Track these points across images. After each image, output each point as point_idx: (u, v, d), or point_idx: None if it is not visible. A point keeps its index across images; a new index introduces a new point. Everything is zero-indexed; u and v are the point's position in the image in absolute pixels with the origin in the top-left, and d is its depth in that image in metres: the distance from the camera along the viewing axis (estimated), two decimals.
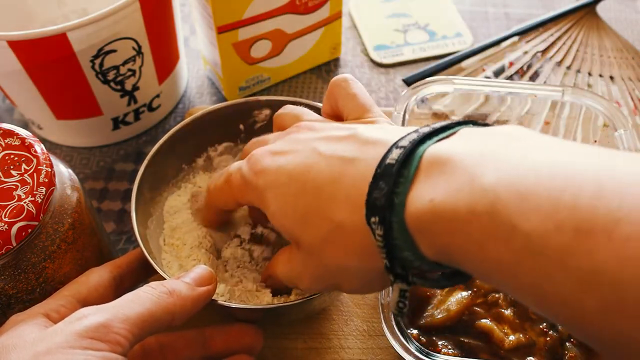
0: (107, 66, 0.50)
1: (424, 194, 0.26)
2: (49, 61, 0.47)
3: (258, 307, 0.38)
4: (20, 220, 0.34)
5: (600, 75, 0.65)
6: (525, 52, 0.66)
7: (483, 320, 0.41)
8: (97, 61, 0.49)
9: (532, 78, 0.64)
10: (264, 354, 0.43)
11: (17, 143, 0.37)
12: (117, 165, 0.57)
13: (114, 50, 0.49)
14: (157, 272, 0.38)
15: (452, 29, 0.69)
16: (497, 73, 0.64)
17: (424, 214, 0.26)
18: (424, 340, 0.41)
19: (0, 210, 0.34)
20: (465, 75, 0.64)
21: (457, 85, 0.49)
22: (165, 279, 0.36)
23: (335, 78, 0.38)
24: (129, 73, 0.52)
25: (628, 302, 0.20)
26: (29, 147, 0.37)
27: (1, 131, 0.37)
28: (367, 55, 0.67)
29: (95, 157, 0.58)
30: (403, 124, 0.46)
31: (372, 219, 0.27)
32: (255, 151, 0.35)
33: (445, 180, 0.25)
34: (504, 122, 0.52)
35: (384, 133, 0.30)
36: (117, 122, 0.56)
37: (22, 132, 0.37)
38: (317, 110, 0.41)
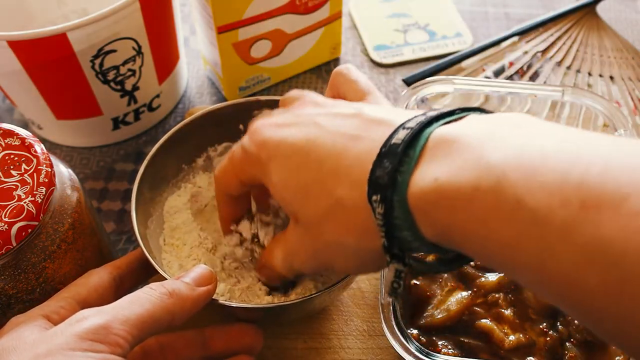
0: (107, 66, 0.50)
1: (429, 173, 0.26)
2: (49, 61, 0.47)
3: (258, 306, 0.38)
4: (20, 220, 0.34)
5: (600, 75, 0.65)
6: (525, 52, 0.66)
7: (483, 320, 0.41)
8: (97, 61, 0.49)
9: (532, 78, 0.64)
10: (264, 354, 0.43)
11: (17, 143, 0.37)
12: (117, 165, 0.57)
13: (114, 50, 0.49)
14: (157, 272, 0.38)
15: (452, 29, 0.69)
16: (497, 73, 0.64)
17: (428, 193, 0.26)
18: (424, 340, 0.41)
19: (0, 210, 0.34)
20: (465, 75, 0.64)
21: (457, 85, 0.49)
22: (165, 279, 0.36)
23: (337, 67, 0.38)
24: (129, 73, 0.52)
25: (633, 277, 0.20)
26: (29, 147, 0.37)
27: (1, 131, 0.37)
28: (367, 55, 0.67)
29: (95, 157, 0.58)
30: None
31: (374, 197, 0.27)
32: (256, 123, 0.34)
33: (450, 159, 0.25)
34: None
35: (390, 114, 0.30)
36: (117, 122, 0.56)
37: (22, 132, 0.37)
38: None
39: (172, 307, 0.32)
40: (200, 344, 0.38)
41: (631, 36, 0.68)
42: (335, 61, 0.65)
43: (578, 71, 0.65)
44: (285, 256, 0.35)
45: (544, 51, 0.67)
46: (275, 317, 0.42)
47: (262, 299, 0.41)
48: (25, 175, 0.35)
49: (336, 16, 0.60)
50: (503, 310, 0.42)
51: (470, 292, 0.43)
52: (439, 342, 0.40)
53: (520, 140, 0.25)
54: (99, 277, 0.37)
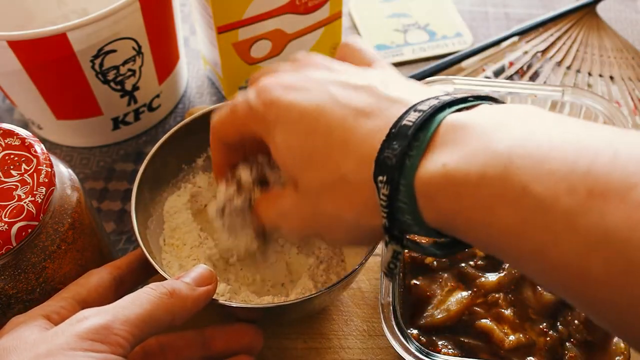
0: (107, 66, 0.50)
1: (437, 159, 0.26)
2: (49, 61, 0.47)
3: (258, 306, 0.38)
4: (20, 220, 0.34)
5: (600, 75, 0.65)
6: (525, 52, 0.66)
7: (483, 320, 0.41)
8: (97, 61, 0.49)
9: (532, 78, 0.64)
10: (264, 354, 0.43)
11: (17, 143, 0.37)
12: (117, 165, 0.57)
13: (114, 50, 0.49)
14: (157, 272, 0.38)
15: (452, 29, 0.69)
16: (497, 73, 0.64)
17: (435, 178, 0.26)
18: (424, 340, 0.41)
19: (0, 210, 0.34)
20: (465, 75, 0.64)
21: (457, 85, 0.49)
22: (165, 279, 0.36)
23: (343, 41, 0.37)
24: (129, 73, 0.52)
25: (637, 267, 0.20)
26: (29, 147, 0.37)
27: (1, 131, 0.37)
28: None
29: (95, 157, 0.58)
30: None
31: (380, 178, 0.27)
32: (264, 81, 0.33)
33: (459, 147, 0.25)
34: None
35: (403, 92, 0.30)
36: (117, 122, 0.56)
37: (22, 132, 0.37)
38: None
39: (172, 307, 0.32)
40: (201, 344, 0.38)
41: (631, 36, 0.68)
42: None
43: (578, 71, 0.65)
44: (277, 217, 0.34)
45: (544, 51, 0.67)
46: (275, 317, 0.42)
47: (263, 299, 0.42)
48: (25, 175, 0.35)
49: (336, 16, 0.60)
50: (503, 310, 0.42)
51: (470, 292, 0.43)
52: (439, 342, 0.40)
53: (528, 130, 0.25)
54: (99, 277, 0.37)
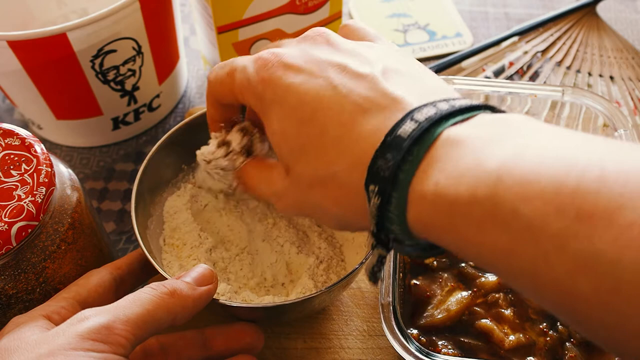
0: (107, 66, 0.50)
1: (431, 177, 0.26)
2: (49, 61, 0.47)
3: (259, 305, 0.38)
4: (20, 220, 0.34)
5: (600, 75, 0.65)
6: (525, 52, 0.66)
7: (483, 320, 0.41)
8: (97, 61, 0.49)
9: (532, 78, 0.64)
10: (264, 354, 0.43)
11: (17, 143, 0.37)
12: (117, 165, 0.57)
13: (114, 50, 0.49)
14: (157, 273, 0.38)
15: (452, 29, 0.69)
16: (497, 73, 0.64)
17: (427, 196, 0.26)
18: (424, 340, 0.41)
19: (0, 210, 0.34)
20: (465, 75, 0.64)
21: (457, 85, 0.49)
22: (166, 279, 0.36)
23: (342, 23, 0.36)
24: (129, 73, 0.52)
25: (625, 286, 0.20)
26: (29, 147, 0.37)
27: (1, 131, 0.37)
28: None
29: (95, 157, 0.58)
30: None
31: (371, 187, 0.27)
32: (265, 53, 0.32)
33: (452, 165, 0.25)
34: None
35: (403, 88, 0.29)
36: (117, 122, 0.56)
37: (22, 132, 0.37)
38: None
39: (173, 307, 0.32)
40: (201, 344, 0.38)
41: (631, 36, 0.68)
42: None
43: (578, 71, 0.65)
44: (267, 195, 0.35)
45: (544, 51, 0.67)
46: (276, 317, 0.42)
47: (263, 299, 0.42)
48: (25, 175, 0.35)
49: (336, 16, 0.60)
50: (503, 310, 0.42)
51: (470, 292, 0.43)
52: (439, 342, 0.40)
53: (518, 145, 0.24)
54: (99, 277, 0.37)
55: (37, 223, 0.34)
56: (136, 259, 0.40)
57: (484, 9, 0.72)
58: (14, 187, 0.35)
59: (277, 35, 0.57)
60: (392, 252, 0.41)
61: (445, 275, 0.44)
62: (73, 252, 0.38)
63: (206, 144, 0.48)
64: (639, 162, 0.22)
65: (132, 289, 0.38)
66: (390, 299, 0.39)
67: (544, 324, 0.41)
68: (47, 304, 0.34)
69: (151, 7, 0.50)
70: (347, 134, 0.29)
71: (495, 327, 0.41)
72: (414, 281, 0.43)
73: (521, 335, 0.40)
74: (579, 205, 0.21)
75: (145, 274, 0.40)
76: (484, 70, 0.65)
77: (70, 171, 0.40)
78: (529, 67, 0.65)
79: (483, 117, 0.27)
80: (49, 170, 0.36)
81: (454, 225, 0.25)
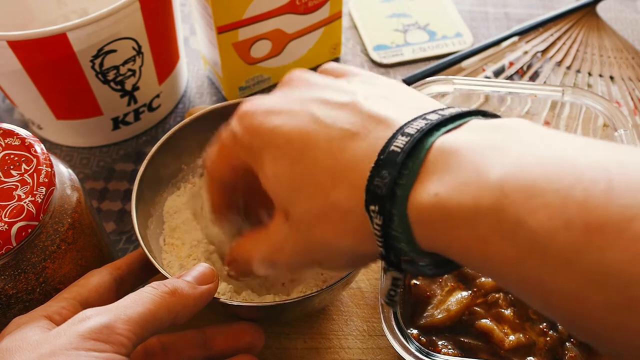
0: (107, 66, 0.50)
1: (429, 188, 0.25)
2: (49, 61, 0.47)
3: (259, 304, 0.38)
4: (20, 220, 0.34)
5: (600, 75, 0.65)
6: (525, 52, 0.66)
7: (483, 320, 0.41)
8: (97, 61, 0.49)
9: (532, 78, 0.64)
10: (264, 354, 0.43)
11: (17, 143, 0.37)
12: (117, 165, 0.57)
13: (114, 50, 0.49)
14: (158, 273, 0.38)
15: (452, 29, 0.69)
16: (497, 73, 0.64)
17: (427, 208, 0.25)
18: (424, 340, 0.41)
19: (0, 210, 0.34)
20: (465, 75, 0.64)
21: (457, 85, 0.49)
22: (166, 279, 0.36)
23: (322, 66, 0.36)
24: (129, 73, 0.52)
25: (637, 300, 0.20)
26: (29, 147, 0.37)
27: (1, 131, 0.37)
28: (367, 55, 0.67)
29: (95, 157, 0.58)
30: None
31: (372, 207, 0.26)
32: (245, 106, 0.32)
33: (451, 174, 0.25)
34: None
35: (388, 109, 0.29)
36: (117, 122, 0.56)
37: (22, 132, 0.37)
38: None
39: (174, 306, 0.32)
40: (202, 343, 0.38)
41: (631, 36, 0.68)
42: (335, 61, 0.65)
43: (578, 71, 0.65)
44: (269, 252, 0.33)
45: (544, 51, 0.67)
46: (276, 316, 0.42)
47: (264, 298, 0.42)
48: (25, 175, 0.35)
49: (336, 16, 0.60)
50: (503, 310, 0.42)
51: (470, 292, 0.43)
52: (439, 342, 0.40)
53: (520, 153, 0.24)
54: (99, 277, 0.37)
55: (37, 223, 0.34)
56: (136, 259, 0.40)
57: (484, 9, 0.72)
58: (14, 187, 0.35)
59: (277, 35, 0.57)
60: (382, 273, 0.41)
61: (445, 275, 0.44)
62: (73, 252, 0.38)
63: (206, 148, 0.48)
64: None
65: (132, 289, 0.38)
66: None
67: (544, 324, 0.41)
68: (48, 304, 0.34)
69: (151, 7, 0.50)
70: (340, 162, 0.28)
71: (495, 327, 0.41)
72: (414, 281, 0.43)
73: (521, 335, 0.40)
74: (588, 218, 0.21)
75: (145, 273, 0.40)
76: (484, 70, 0.65)
77: (70, 171, 0.40)
78: (529, 67, 0.65)
79: (475, 123, 0.27)
80: (49, 170, 0.36)
81: (457, 237, 0.25)
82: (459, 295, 0.42)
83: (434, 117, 0.27)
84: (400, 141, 0.26)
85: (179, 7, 0.57)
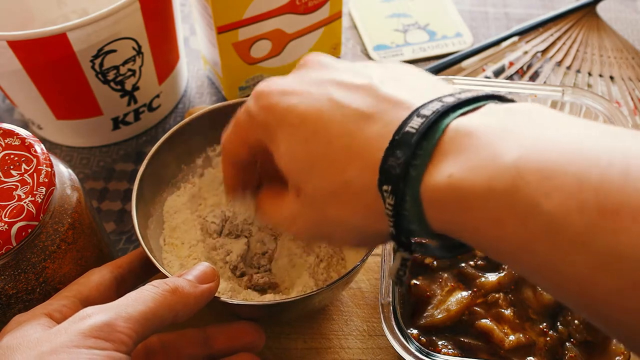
0: (107, 66, 0.50)
1: (443, 169, 0.25)
2: (49, 61, 0.47)
3: (260, 303, 0.38)
4: (20, 220, 0.34)
5: (600, 75, 0.65)
6: (525, 52, 0.66)
7: (483, 320, 0.41)
8: (97, 61, 0.49)
9: (532, 78, 0.64)
10: (264, 354, 0.43)
11: (17, 143, 0.37)
12: (117, 165, 0.57)
13: (114, 50, 0.49)
14: (158, 272, 0.38)
15: (452, 29, 0.69)
16: (497, 73, 0.64)
17: (441, 189, 0.25)
18: (424, 340, 0.41)
19: (0, 210, 0.34)
20: (465, 75, 0.64)
21: (457, 85, 0.49)
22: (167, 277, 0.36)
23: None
24: (129, 73, 0.52)
25: None
26: (29, 147, 0.37)
27: (1, 131, 0.37)
28: (367, 55, 0.67)
29: (95, 157, 0.58)
30: None
31: (385, 187, 0.26)
32: (261, 86, 0.33)
33: (465, 156, 0.25)
34: None
35: (404, 91, 0.29)
36: (117, 122, 0.56)
37: (22, 132, 0.37)
38: None
39: (174, 305, 0.32)
40: (202, 342, 0.38)
41: (631, 36, 0.68)
42: None
43: (578, 71, 0.65)
44: (283, 220, 0.34)
45: (544, 51, 0.67)
46: (277, 315, 0.42)
47: (264, 297, 0.42)
48: (25, 175, 0.35)
49: (336, 16, 0.60)
50: (503, 310, 0.42)
51: (470, 292, 0.43)
52: (439, 342, 0.40)
53: (536, 135, 0.24)
54: (100, 275, 0.37)
55: (37, 223, 0.34)
56: (137, 258, 0.40)
57: (484, 9, 0.72)
58: (14, 187, 0.35)
59: (277, 35, 0.57)
60: (392, 253, 0.41)
61: (445, 275, 0.44)
62: (73, 252, 0.38)
63: (205, 147, 0.48)
64: None
65: (132, 288, 0.38)
66: (390, 299, 0.39)
67: (544, 324, 0.41)
68: (49, 302, 0.34)
69: (151, 7, 0.50)
70: (354, 141, 0.28)
71: (495, 327, 0.41)
72: (414, 281, 0.43)
73: (521, 335, 0.40)
74: (603, 201, 0.21)
75: (145, 273, 0.40)
76: (484, 70, 0.65)
77: (70, 171, 0.40)
78: (529, 67, 0.65)
79: (491, 107, 0.27)
80: (49, 170, 0.36)
81: (470, 219, 0.25)
82: (459, 295, 0.42)
83: (450, 100, 0.27)
84: (416, 122, 0.26)
85: (179, 7, 0.57)
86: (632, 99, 0.62)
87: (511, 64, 0.65)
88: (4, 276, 0.35)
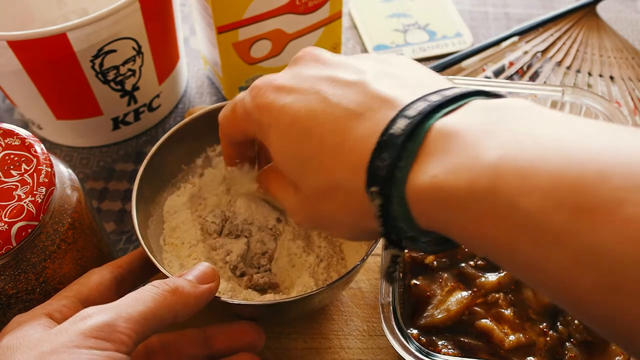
0: (107, 66, 0.50)
1: (427, 170, 0.26)
2: (49, 61, 0.47)
3: (260, 303, 0.38)
4: (20, 220, 0.34)
5: (600, 75, 0.65)
6: (525, 52, 0.66)
7: (483, 320, 0.41)
8: (97, 61, 0.49)
9: (532, 78, 0.64)
10: (264, 354, 0.43)
11: (17, 143, 0.37)
12: (117, 165, 0.57)
13: (114, 50, 0.49)
14: (158, 272, 0.38)
15: (452, 29, 0.69)
16: (497, 73, 0.64)
17: (425, 190, 0.26)
18: (424, 340, 0.41)
19: (0, 210, 0.34)
20: (465, 75, 0.64)
21: (457, 85, 0.49)
22: (167, 277, 0.36)
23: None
24: (129, 73, 0.52)
25: (626, 281, 0.20)
26: (29, 147, 0.37)
27: (1, 131, 0.37)
28: None
29: (95, 157, 0.58)
30: None
31: (372, 188, 0.27)
32: (257, 82, 0.34)
33: (448, 157, 0.25)
34: None
35: (395, 88, 0.29)
36: (117, 122, 0.56)
37: (22, 132, 0.37)
38: None
39: (175, 305, 0.32)
40: (202, 342, 0.38)
41: (631, 36, 0.68)
42: None
43: (578, 71, 0.65)
44: (286, 207, 0.35)
45: (544, 51, 0.67)
46: (277, 315, 0.42)
47: (264, 297, 0.42)
48: (25, 175, 0.35)
49: (336, 16, 0.60)
50: (503, 310, 0.42)
51: (470, 292, 0.43)
52: (439, 342, 0.40)
53: (518, 134, 0.24)
54: (100, 276, 0.37)
55: (37, 223, 0.34)
56: (137, 258, 0.40)
57: (484, 9, 0.72)
58: (14, 187, 0.35)
59: (277, 35, 0.57)
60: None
61: (445, 275, 0.44)
62: (73, 252, 0.38)
63: (205, 147, 0.48)
64: (638, 151, 0.21)
65: (132, 288, 0.38)
66: (390, 299, 0.39)
67: (544, 324, 0.41)
68: (49, 302, 0.34)
69: (151, 7, 0.50)
70: (344, 141, 0.29)
71: (495, 327, 0.41)
72: (414, 281, 0.43)
73: (521, 335, 0.40)
74: (579, 199, 0.21)
75: (146, 273, 0.40)
76: (484, 70, 0.65)
77: (70, 171, 0.40)
78: (529, 67, 0.65)
79: (476, 104, 0.27)
80: (49, 170, 0.36)
81: (454, 218, 0.25)
82: (459, 295, 0.42)
83: (435, 99, 0.27)
84: (401, 123, 0.27)
85: (179, 7, 0.57)
86: (632, 99, 0.62)
87: (511, 64, 0.65)
88: (4, 276, 0.35)
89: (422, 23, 0.70)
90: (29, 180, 0.35)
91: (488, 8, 0.72)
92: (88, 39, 0.47)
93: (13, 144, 0.37)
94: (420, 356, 0.37)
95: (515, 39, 0.68)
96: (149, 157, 0.43)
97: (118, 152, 0.58)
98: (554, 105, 0.51)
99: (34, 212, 0.34)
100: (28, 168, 0.36)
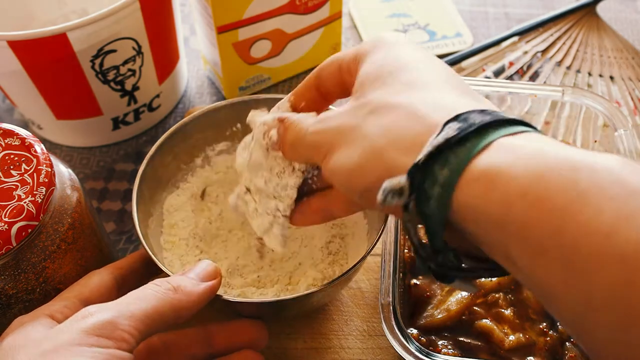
0: (107, 66, 0.50)
1: (495, 158, 0.25)
2: (49, 61, 0.47)
3: (261, 301, 0.38)
4: (20, 220, 0.34)
5: (600, 75, 0.65)
6: (525, 52, 0.66)
7: (483, 320, 0.41)
8: (97, 61, 0.49)
9: (532, 78, 0.64)
10: (264, 354, 0.43)
11: (17, 143, 0.37)
12: (117, 165, 0.57)
13: (114, 50, 0.49)
14: (160, 272, 0.38)
15: (452, 29, 0.69)
16: (497, 73, 0.64)
17: (478, 172, 0.25)
18: (424, 340, 0.41)
19: (0, 210, 0.34)
20: (465, 75, 0.64)
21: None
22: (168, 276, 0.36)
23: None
24: (129, 73, 0.52)
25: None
26: (29, 147, 0.37)
27: (1, 131, 0.37)
28: None
29: (95, 157, 0.58)
30: None
31: (452, 124, 0.26)
32: (319, 117, 0.32)
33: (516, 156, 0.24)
34: None
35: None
36: (117, 122, 0.56)
37: (22, 132, 0.37)
38: None
39: (177, 303, 0.32)
40: (204, 340, 0.38)
41: (631, 36, 0.68)
42: None
43: (578, 71, 0.65)
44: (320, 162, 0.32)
45: (544, 51, 0.67)
46: (278, 313, 0.42)
47: (265, 295, 0.42)
48: (25, 175, 0.35)
49: (336, 16, 0.60)
50: (503, 310, 0.42)
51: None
52: (439, 342, 0.40)
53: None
54: (100, 277, 0.37)
55: (37, 223, 0.34)
56: (138, 259, 0.40)
57: (484, 9, 0.72)
58: (14, 187, 0.35)
59: (277, 35, 0.57)
60: (392, 253, 0.41)
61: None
62: (73, 252, 0.38)
63: (204, 147, 0.48)
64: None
65: (134, 289, 0.38)
66: (390, 299, 0.39)
67: (544, 324, 0.41)
68: (50, 303, 0.34)
69: (151, 7, 0.50)
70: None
71: (495, 327, 0.41)
72: (414, 281, 0.43)
73: (521, 335, 0.40)
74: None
75: (146, 273, 0.40)
76: (484, 70, 0.65)
77: (70, 171, 0.40)
78: (529, 67, 0.65)
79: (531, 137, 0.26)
80: (49, 170, 0.36)
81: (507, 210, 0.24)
82: (459, 295, 0.42)
83: (500, 115, 0.27)
84: (478, 117, 0.26)
85: (179, 7, 0.57)
86: (632, 99, 0.62)
87: (511, 64, 0.65)
88: (4, 276, 0.35)
89: (422, 23, 0.70)
90: (29, 180, 0.35)
91: (488, 8, 0.72)
92: (88, 39, 0.47)
93: (13, 144, 0.37)
94: (420, 356, 0.37)
95: (515, 39, 0.68)
96: (148, 157, 0.43)
97: (118, 152, 0.58)
98: (554, 105, 0.51)
99: (34, 212, 0.34)
100: (28, 168, 0.36)
